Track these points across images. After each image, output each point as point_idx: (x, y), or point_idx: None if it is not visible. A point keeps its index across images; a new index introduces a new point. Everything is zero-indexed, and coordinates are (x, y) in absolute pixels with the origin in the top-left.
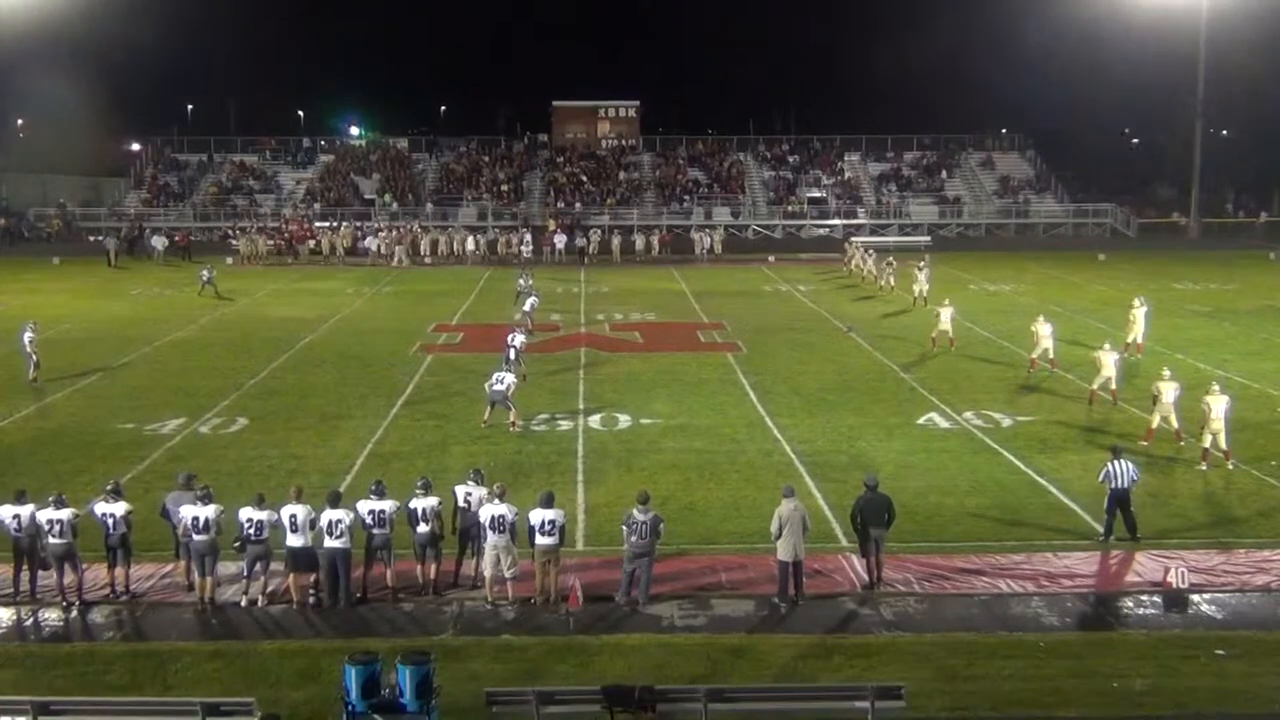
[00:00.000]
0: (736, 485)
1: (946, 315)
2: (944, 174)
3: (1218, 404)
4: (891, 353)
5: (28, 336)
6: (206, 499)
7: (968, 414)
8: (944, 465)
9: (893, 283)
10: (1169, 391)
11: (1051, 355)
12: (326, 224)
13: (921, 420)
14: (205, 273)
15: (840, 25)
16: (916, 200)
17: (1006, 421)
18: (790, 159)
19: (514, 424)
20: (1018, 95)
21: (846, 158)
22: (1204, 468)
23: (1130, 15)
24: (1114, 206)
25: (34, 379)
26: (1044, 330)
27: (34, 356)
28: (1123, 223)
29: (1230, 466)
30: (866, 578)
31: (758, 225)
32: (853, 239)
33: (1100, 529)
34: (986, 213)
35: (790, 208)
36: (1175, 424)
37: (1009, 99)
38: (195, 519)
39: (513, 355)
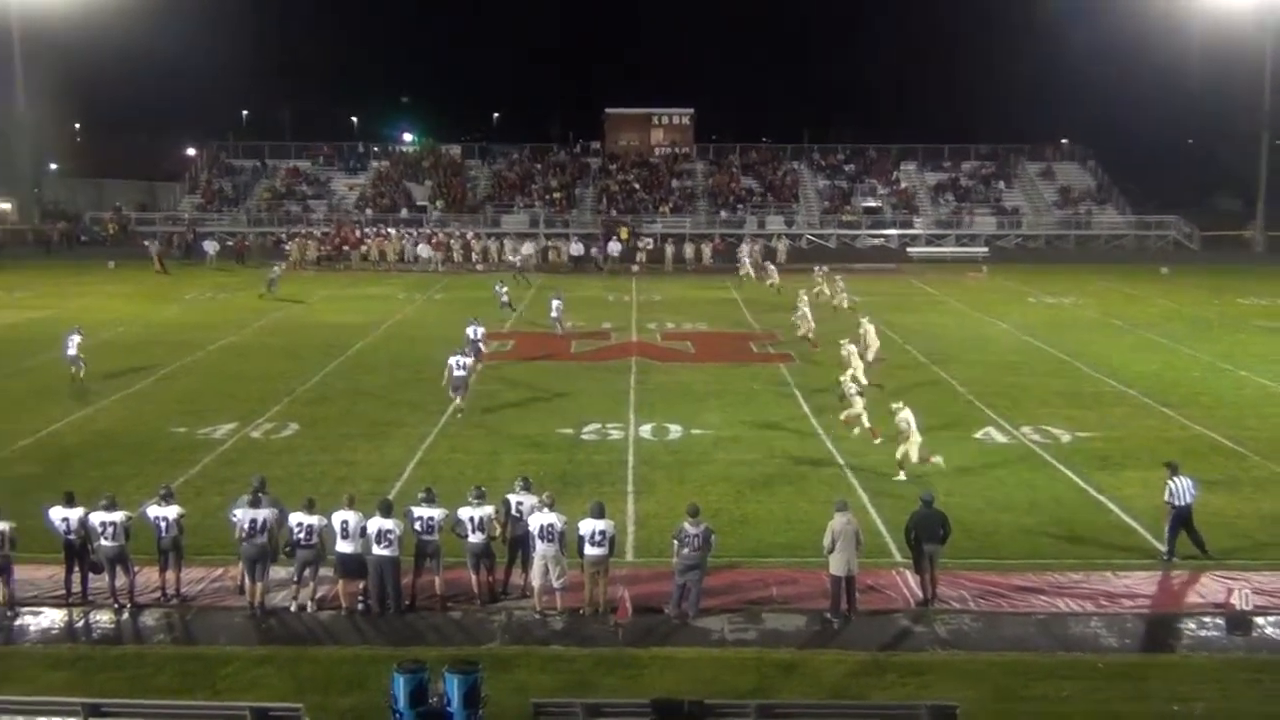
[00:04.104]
0: (789, 498)
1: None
2: (1002, 184)
3: None
4: (948, 365)
5: (74, 341)
6: (257, 502)
7: (1026, 429)
8: (1001, 481)
9: (845, 304)
10: None
11: (872, 356)
12: (375, 229)
13: (978, 435)
14: (275, 270)
15: (898, 32)
16: (975, 211)
17: (1066, 437)
18: (846, 168)
19: (460, 408)
20: (1078, 103)
21: (903, 167)
22: None
23: (1196, 21)
24: (1177, 218)
25: (77, 377)
26: (871, 329)
27: (80, 362)
28: (1186, 235)
29: None
30: (921, 594)
31: (812, 235)
32: (819, 268)
33: (1163, 548)
34: (1046, 224)
35: (845, 217)
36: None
37: (1069, 107)
38: (253, 521)
39: (475, 341)
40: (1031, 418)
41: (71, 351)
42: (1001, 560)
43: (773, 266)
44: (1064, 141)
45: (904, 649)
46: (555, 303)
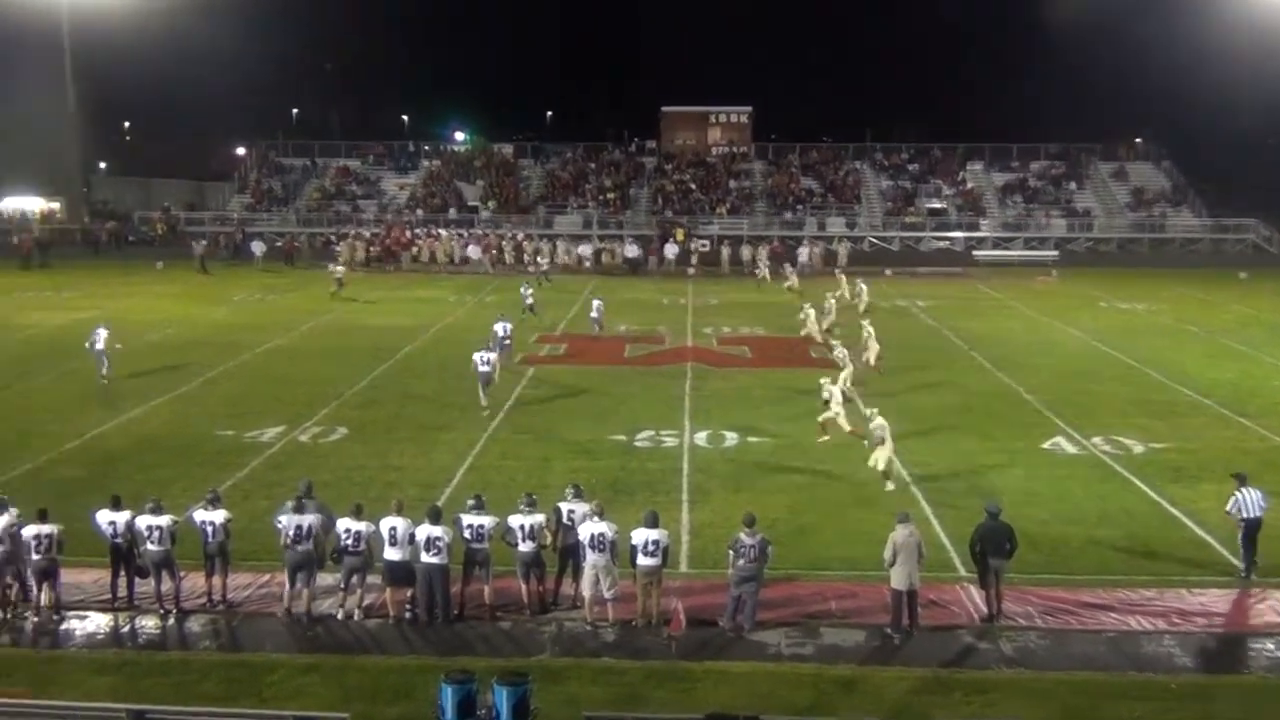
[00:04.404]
0: (848, 509)
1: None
2: (1073, 185)
3: None
4: (1016, 372)
5: (101, 335)
6: (302, 508)
7: (1096, 439)
8: (1070, 493)
9: (863, 307)
10: None
11: (874, 360)
12: (425, 230)
13: (1047, 445)
14: (339, 269)
15: (962, 28)
16: (1044, 213)
17: (1138, 448)
18: (909, 168)
19: (484, 407)
20: (1153, 100)
21: (969, 166)
22: None
23: (1275, 16)
24: (1257, 221)
25: (103, 376)
26: (810, 314)
27: (105, 359)
28: (1266, 238)
29: None
30: (986, 610)
31: (874, 237)
32: (838, 270)
33: (1239, 564)
34: (1118, 226)
35: (909, 219)
36: None
37: (1144, 104)
38: (298, 527)
39: (503, 338)
40: (1102, 427)
41: (99, 346)
42: (1070, 575)
43: (791, 269)
44: (1138, 140)
45: (968, 666)
46: (596, 303)
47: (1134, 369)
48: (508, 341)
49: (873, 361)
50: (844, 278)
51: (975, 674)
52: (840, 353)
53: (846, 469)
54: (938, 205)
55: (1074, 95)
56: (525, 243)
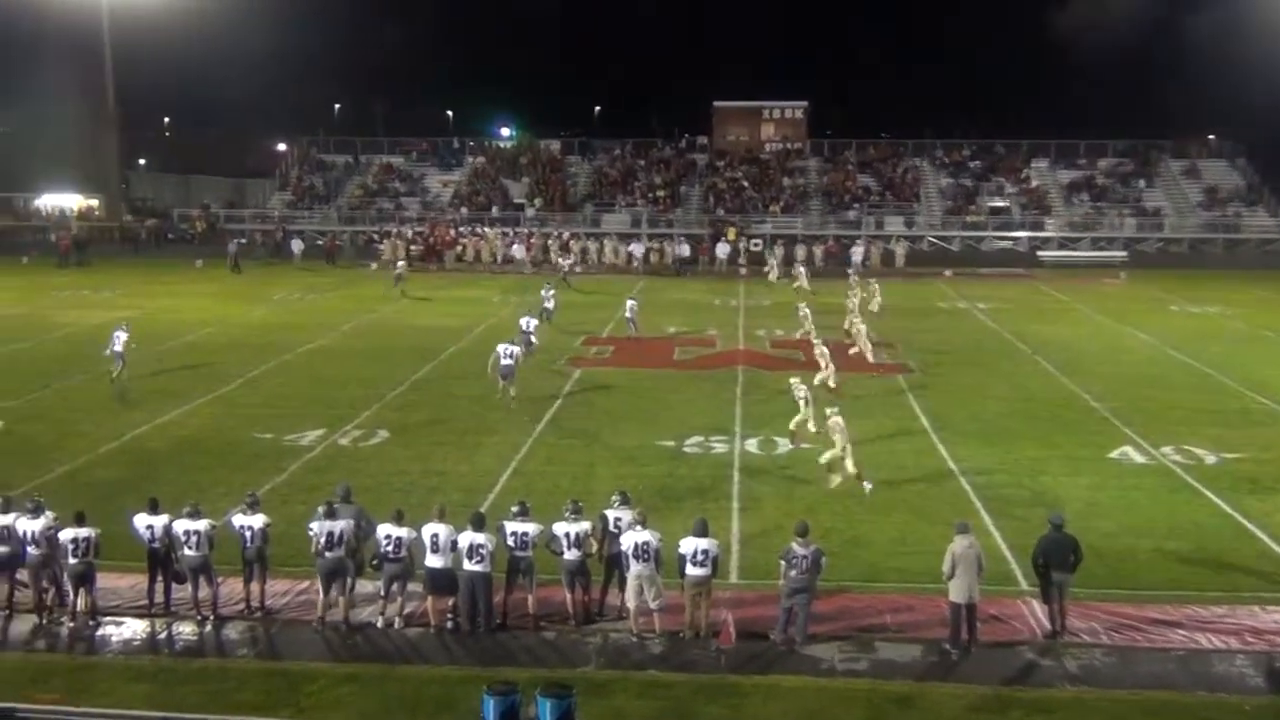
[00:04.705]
0: (905, 519)
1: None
2: (1142, 183)
3: None
4: (1082, 378)
5: (120, 337)
6: (333, 514)
7: (1166, 448)
8: (1138, 504)
9: (877, 308)
10: None
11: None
12: (470, 228)
13: (1114, 454)
14: (401, 267)
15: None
16: (1116, 213)
17: (1211, 458)
18: (971, 165)
19: (511, 398)
20: (1227, 95)
21: (1034, 164)
22: None
23: None
24: None
25: (115, 378)
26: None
27: (122, 359)
28: None
29: None
30: (1048, 625)
31: (933, 237)
32: (851, 272)
33: None
34: (1190, 226)
35: (970, 218)
36: None
37: (1216, 100)
38: (330, 534)
39: (527, 333)
40: (1172, 436)
41: (117, 348)
42: (1137, 590)
43: (802, 269)
44: (1211, 137)
45: (1030, 684)
46: (630, 304)
47: (1206, 376)
48: (532, 338)
49: (862, 352)
50: (857, 280)
51: (1037, 692)
52: (822, 350)
53: (903, 477)
54: (1000, 204)
55: (1143, 89)
56: (572, 241)
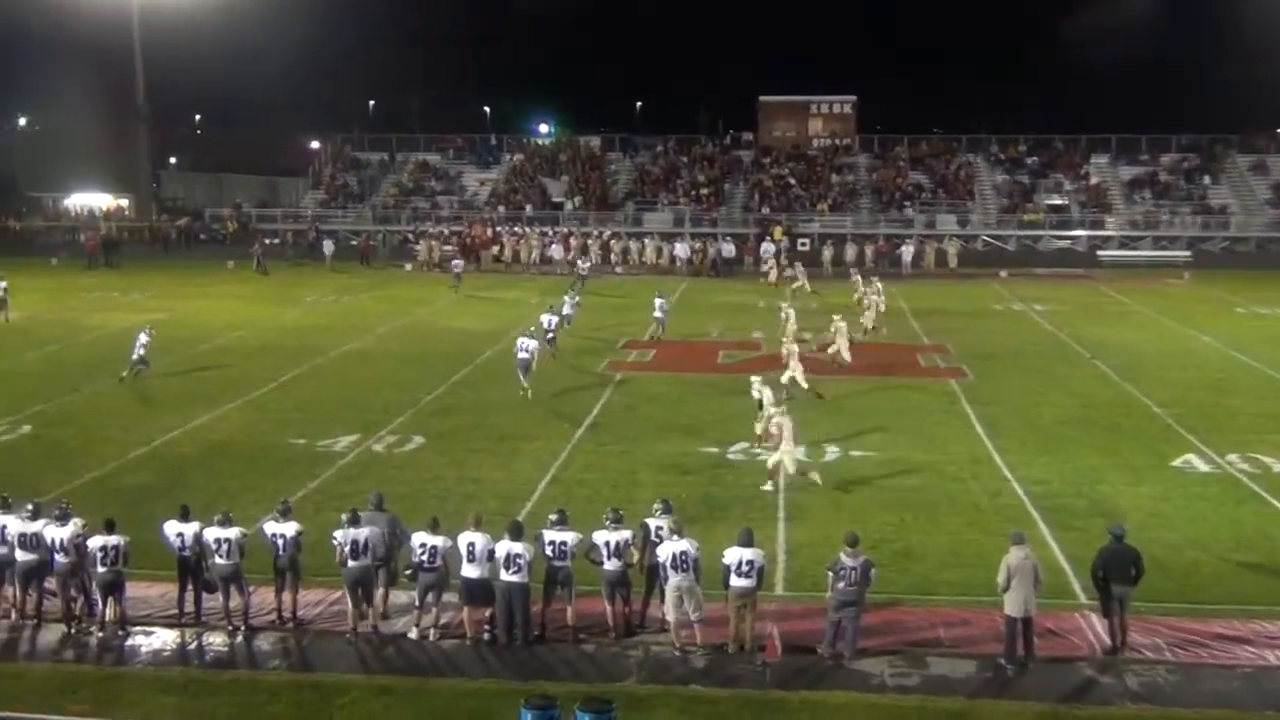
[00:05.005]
0: (959, 529)
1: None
2: (1208, 179)
3: None
4: (1143, 383)
5: (143, 341)
6: (356, 521)
7: (1232, 456)
8: (1203, 515)
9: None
10: None
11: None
12: (508, 228)
13: (1177, 462)
14: (457, 264)
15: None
16: (1176, 210)
17: (1278, 467)
18: (1028, 161)
19: (525, 389)
20: None
21: (1093, 160)
22: None
23: None
24: None
25: (124, 377)
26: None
27: (142, 366)
28: None
29: None
30: (1109, 641)
31: (988, 236)
32: (855, 272)
33: None
34: (1258, 224)
35: (1026, 216)
36: None
37: None
38: (354, 542)
39: (548, 330)
40: (1239, 444)
41: (141, 352)
42: (1202, 604)
43: (801, 268)
44: (1279, 131)
45: (1089, 701)
46: (658, 301)
47: (1274, 380)
48: (551, 335)
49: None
50: (861, 279)
51: (1096, 710)
52: (791, 348)
53: (956, 487)
54: (1058, 201)
55: (1208, 82)
56: (613, 241)
